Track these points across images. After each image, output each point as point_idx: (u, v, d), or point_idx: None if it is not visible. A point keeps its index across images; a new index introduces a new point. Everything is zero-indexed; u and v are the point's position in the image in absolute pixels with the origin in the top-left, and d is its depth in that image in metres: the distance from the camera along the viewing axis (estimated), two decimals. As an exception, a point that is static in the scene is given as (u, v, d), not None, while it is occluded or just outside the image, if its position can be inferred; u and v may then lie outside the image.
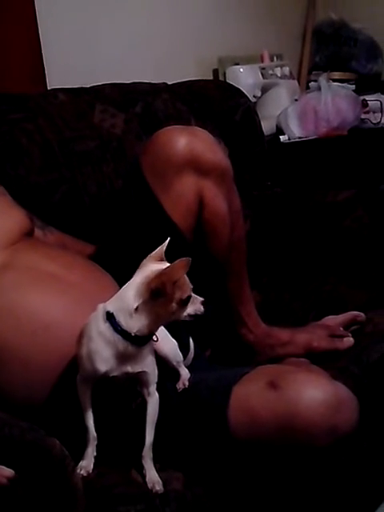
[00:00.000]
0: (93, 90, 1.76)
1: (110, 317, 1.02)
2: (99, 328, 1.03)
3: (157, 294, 0.99)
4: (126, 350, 1.02)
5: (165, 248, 1.06)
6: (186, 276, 1.01)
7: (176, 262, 0.99)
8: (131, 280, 1.03)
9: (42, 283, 1.20)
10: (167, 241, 1.06)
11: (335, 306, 1.57)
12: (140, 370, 1.05)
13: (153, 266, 1.03)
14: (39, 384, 1.14)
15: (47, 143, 1.60)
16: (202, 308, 1.04)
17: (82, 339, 1.05)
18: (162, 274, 0.99)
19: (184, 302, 1.01)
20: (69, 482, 0.90)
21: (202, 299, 1.04)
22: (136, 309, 1.00)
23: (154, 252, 1.06)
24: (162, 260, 1.05)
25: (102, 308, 1.04)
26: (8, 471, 0.79)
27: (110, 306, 1.03)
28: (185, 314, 1.02)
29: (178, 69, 2.29)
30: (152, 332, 1.04)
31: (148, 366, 1.06)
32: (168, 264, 1.02)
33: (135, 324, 1.01)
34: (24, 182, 1.55)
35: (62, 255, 1.33)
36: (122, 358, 1.03)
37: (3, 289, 1.17)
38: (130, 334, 1.01)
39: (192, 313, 1.03)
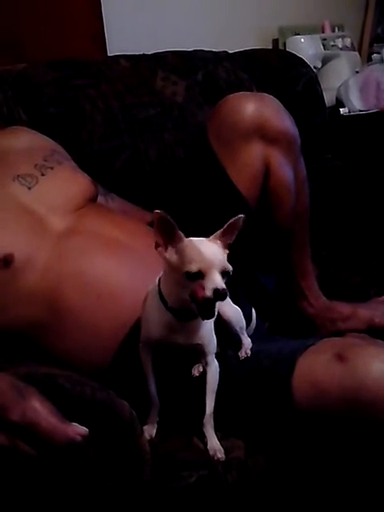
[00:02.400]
0: (154, 57, 1.75)
1: (159, 283, 1.02)
2: (154, 299, 1.02)
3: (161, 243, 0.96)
4: (170, 322, 1.01)
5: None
6: (201, 250, 0.92)
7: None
8: None
9: (107, 249, 1.20)
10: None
11: (398, 282, 1.55)
12: (193, 342, 1.04)
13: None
14: (103, 348, 1.15)
15: (109, 109, 1.60)
16: (212, 294, 0.90)
17: (144, 303, 1.06)
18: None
19: (191, 276, 0.92)
20: (137, 443, 0.90)
21: (223, 287, 0.90)
22: (158, 281, 1.00)
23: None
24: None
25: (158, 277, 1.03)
26: (82, 429, 0.79)
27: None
28: (200, 292, 0.92)
29: (239, 38, 2.25)
30: (184, 306, 0.97)
31: (201, 338, 1.04)
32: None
33: (165, 293, 1.00)
34: (86, 147, 1.55)
35: (126, 222, 1.32)
36: (171, 328, 1.02)
37: (69, 253, 1.17)
38: (173, 308, 1.00)
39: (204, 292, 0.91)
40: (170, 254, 0.95)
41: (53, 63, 1.62)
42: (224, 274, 0.92)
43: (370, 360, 1.03)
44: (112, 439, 0.86)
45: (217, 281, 0.90)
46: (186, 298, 0.94)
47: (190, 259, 0.92)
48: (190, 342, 1.03)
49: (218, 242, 0.96)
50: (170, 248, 0.95)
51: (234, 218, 0.96)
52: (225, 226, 0.96)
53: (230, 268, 0.93)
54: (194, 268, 0.91)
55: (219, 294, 0.90)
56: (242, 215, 0.95)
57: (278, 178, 1.31)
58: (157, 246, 0.96)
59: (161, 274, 1.02)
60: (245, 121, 1.27)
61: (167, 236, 0.95)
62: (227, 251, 0.96)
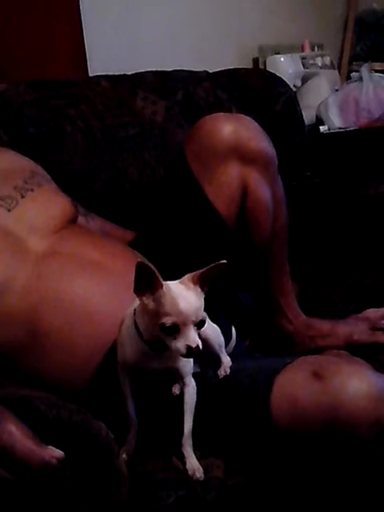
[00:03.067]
0: (134, 77, 1.77)
1: (134, 312, 1.02)
2: (128, 322, 1.03)
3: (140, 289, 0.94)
4: (146, 351, 1.01)
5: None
6: (178, 303, 0.92)
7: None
8: None
9: (86, 270, 1.20)
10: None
11: (376, 298, 1.55)
12: (167, 366, 1.04)
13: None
14: (82, 369, 1.15)
15: (90, 129, 1.61)
16: (185, 351, 0.92)
17: (120, 327, 1.06)
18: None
19: (165, 330, 0.92)
20: (114, 464, 0.90)
21: (197, 343, 0.91)
22: (134, 311, 1.00)
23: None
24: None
25: (136, 302, 1.02)
26: (58, 453, 0.79)
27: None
28: (173, 345, 0.93)
29: (219, 57, 2.28)
30: (159, 340, 0.96)
31: (176, 362, 1.03)
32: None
33: (141, 327, 1.00)
34: (66, 168, 1.56)
35: (106, 243, 1.33)
36: (146, 356, 1.02)
37: (49, 275, 1.17)
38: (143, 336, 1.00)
39: (177, 348, 0.92)
40: (148, 301, 0.94)
41: (33, 83, 1.63)
42: (199, 324, 0.94)
43: (347, 378, 1.04)
44: (88, 461, 0.86)
45: (190, 338, 0.92)
46: (161, 339, 0.94)
47: (165, 311, 0.92)
48: (164, 366, 1.04)
49: (197, 287, 0.95)
50: (148, 294, 0.94)
51: (217, 263, 0.94)
52: (205, 269, 0.95)
53: (205, 316, 0.94)
54: (169, 322, 0.92)
55: (191, 352, 0.92)
56: (224, 261, 0.94)
57: (256, 197, 1.32)
58: (135, 290, 0.95)
59: (137, 302, 1.01)
60: (222, 142, 1.28)
61: (146, 283, 0.93)
62: (203, 295, 0.95)
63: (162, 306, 0.92)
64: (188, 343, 0.92)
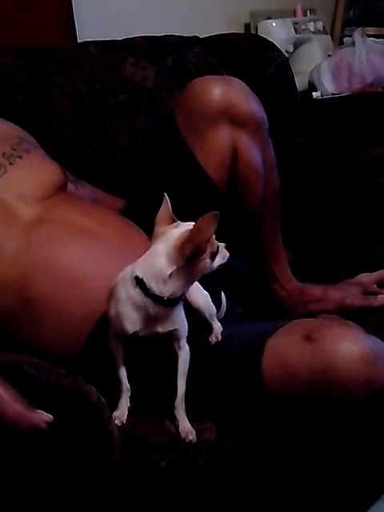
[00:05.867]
0: (124, 43, 1.74)
1: (139, 282, 1.00)
2: (129, 292, 1.01)
3: (193, 258, 0.97)
4: (157, 313, 1.01)
5: (170, 208, 1.02)
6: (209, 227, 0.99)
7: (201, 219, 0.96)
8: (156, 247, 1.00)
9: (76, 237, 1.20)
10: (166, 199, 1.02)
11: (369, 263, 1.56)
12: (171, 328, 1.04)
13: (174, 231, 1.00)
14: (73, 336, 1.15)
15: (79, 96, 1.59)
16: (227, 253, 1.03)
17: (110, 300, 1.05)
18: (193, 236, 0.96)
19: (214, 255, 1.01)
20: (105, 428, 0.91)
21: (224, 244, 1.03)
22: (170, 275, 0.99)
23: (160, 216, 1.02)
24: (174, 221, 1.02)
25: (129, 272, 1.02)
26: (47, 416, 0.79)
27: (139, 271, 1.01)
28: (215, 265, 1.01)
29: (210, 23, 2.25)
30: (185, 292, 1.03)
31: (177, 323, 1.05)
32: (184, 223, 1.00)
33: (169, 288, 0.99)
34: (56, 135, 1.54)
35: (95, 209, 1.32)
36: (152, 319, 1.02)
37: (39, 242, 1.17)
38: (163, 298, 1.00)
39: (221, 261, 1.02)
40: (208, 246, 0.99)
41: (20, 50, 1.61)
42: None
43: (338, 340, 1.04)
44: (79, 425, 0.87)
45: (221, 244, 1.03)
46: (213, 269, 1.01)
47: (213, 241, 1.00)
48: (167, 329, 1.04)
49: None
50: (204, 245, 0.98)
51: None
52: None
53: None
54: (217, 244, 1.01)
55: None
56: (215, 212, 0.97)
57: (246, 161, 1.30)
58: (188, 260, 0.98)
59: (129, 270, 1.01)
60: (212, 104, 1.27)
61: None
62: None
63: (212, 241, 0.99)
64: (224, 245, 1.03)
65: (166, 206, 1.02)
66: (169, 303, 1.01)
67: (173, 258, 0.98)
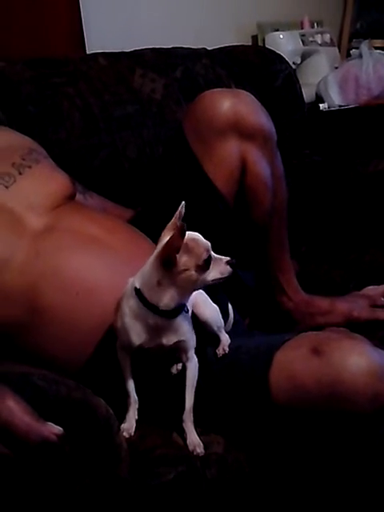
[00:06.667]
0: (133, 55, 1.75)
1: (137, 292, 1.01)
2: (129, 303, 1.02)
3: (168, 265, 0.97)
4: (157, 324, 1.02)
5: (181, 216, 1.01)
6: (198, 239, 0.99)
7: (175, 229, 0.96)
8: (151, 255, 1.01)
9: (85, 246, 1.20)
10: (182, 206, 1.01)
11: (376, 275, 1.56)
12: (176, 340, 1.04)
13: (164, 239, 1.00)
14: (81, 346, 1.15)
15: (88, 107, 1.60)
16: (228, 268, 1.00)
17: (117, 312, 1.05)
18: (166, 245, 0.97)
19: (203, 267, 0.98)
20: (113, 440, 0.91)
21: (227, 259, 1.01)
22: (158, 283, 0.99)
23: (170, 223, 1.02)
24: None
25: (131, 282, 1.03)
26: (57, 429, 0.79)
27: (137, 280, 1.02)
28: (209, 279, 1.00)
29: (218, 35, 2.25)
30: (181, 303, 1.02)
31: (183, 334, 1.05)
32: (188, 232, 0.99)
33: (160, 297, 1.00)
34: (65, 146, 1.55)
35: (104, 219, 1.32)
36: (155, 331, 1.02)
37: (48, 251, 1.17)
38: (158, 308, 1.00)
39: (218, 276, 1.00)
40: (183, 259, 0.97)
41: (30, 61, 1.62)
42: None
43: (346, 354, 1.04)
44: (88, 437, 0.87)
45: (222, 258, 1.01)
46: (208, 283, 1.00)
47: (195, 251, 0.98)
48: (173, 340, 1.04)
49: None
50: (180, 254, 0.97)
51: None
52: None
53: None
54: (203, 257, 0.98)
55: (232, 263, 1.01)
56: (182, 223, 0.97)
57: (255, 173, 1.31)
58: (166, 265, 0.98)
59: (131, 281, 1.02)
60: (220, 117, 1.27)
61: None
62: None
63: (191, 251, 0.97)
64: (226, 260, 1.00)
65: (177, 213, 1.02)
66: (166, 314, 1.01)
67: (154, 265, 0.99)
